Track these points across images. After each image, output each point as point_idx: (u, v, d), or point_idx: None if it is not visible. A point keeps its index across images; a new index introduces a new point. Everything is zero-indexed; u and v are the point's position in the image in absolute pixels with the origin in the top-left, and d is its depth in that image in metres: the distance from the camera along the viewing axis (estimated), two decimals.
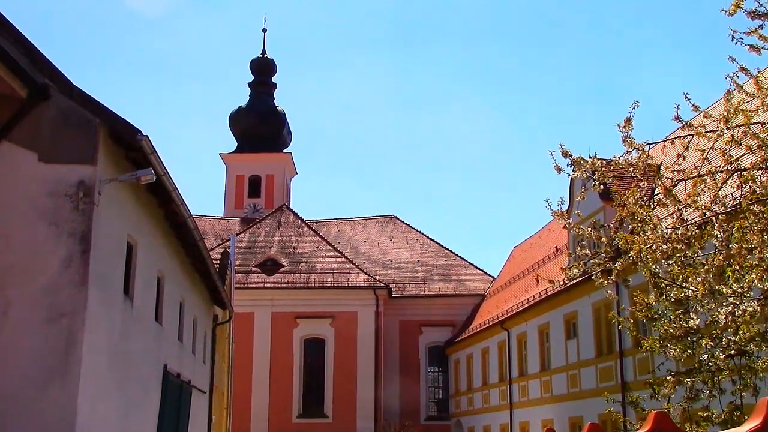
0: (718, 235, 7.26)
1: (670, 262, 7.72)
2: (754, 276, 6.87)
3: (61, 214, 10.07)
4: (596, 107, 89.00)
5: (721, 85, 7.38)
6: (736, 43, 7.02)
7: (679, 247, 7.52)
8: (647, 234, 7.78)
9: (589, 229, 8.25)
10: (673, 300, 7.75)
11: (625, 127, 7.75)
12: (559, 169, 8.01)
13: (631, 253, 7.81)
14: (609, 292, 9.35)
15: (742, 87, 7.45)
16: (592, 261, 8.45)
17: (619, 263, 8.03)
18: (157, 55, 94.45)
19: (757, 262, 6.85)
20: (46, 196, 10.12)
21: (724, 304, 7.17)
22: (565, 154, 8.01)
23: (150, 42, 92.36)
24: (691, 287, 7.57)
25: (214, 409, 22.45)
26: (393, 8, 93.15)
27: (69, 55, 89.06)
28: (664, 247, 7.56)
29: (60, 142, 10.32)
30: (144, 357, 13.51)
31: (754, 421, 3.57)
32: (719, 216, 7.30)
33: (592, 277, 8.35)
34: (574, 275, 8.42)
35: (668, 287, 7.79)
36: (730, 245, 7.14)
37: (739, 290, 7.02)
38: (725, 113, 7.35)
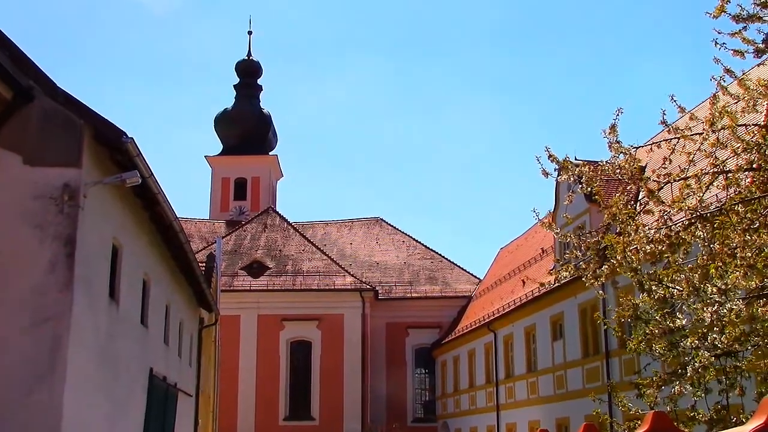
0: (702, 235, 7.30)
1: (654, 265, 7.75)
2: (737, 274, 6.91)
3: (45, 217, 9.99)
4: (585, 109, 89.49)
5: (708, 84, 7.45)
6: (720, 48, 7.09)
7: (662, 248, 7.55)
8: (630, 235, 7.81)
9: (575, 236, 8.29)
10: (657, 299, 7.79)
11: (610, 133, 7.80)
12: (546, 174, 8.03)
13: (616, 254, 7.84)
14: (600, 292, 9.39)
15: (726, 89, 7.50)
16: (580, 263, 8.48)
17: (606, 265, 8.06)
18: (141, 57, 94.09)
19: (739, 261, 6.90)
20: (31, 199, 10.03)
21: (708, 302, 7.21)
22: (552, 158, 8.04)
23: (134, 44, 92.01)
24: (676, 287, 7.61)
25: (201, 412, 22.35)
26: (380, 10, 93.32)
27: (54, 55, 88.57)
28: (648, 248, 7.60)
29: (45, 145, 10.24)
30: (130, 360, 13.43)
31: (758, 421, 3.56)
32: (703, 217, 7.34)
33: (582, 279, 8.37)
34: (564, 277, 8.46)
35: (653, 287, 7.83)
36: (712, 245, 7.18)
37: (723, 287, 7.06)
38: (710, 116, 7.40)
